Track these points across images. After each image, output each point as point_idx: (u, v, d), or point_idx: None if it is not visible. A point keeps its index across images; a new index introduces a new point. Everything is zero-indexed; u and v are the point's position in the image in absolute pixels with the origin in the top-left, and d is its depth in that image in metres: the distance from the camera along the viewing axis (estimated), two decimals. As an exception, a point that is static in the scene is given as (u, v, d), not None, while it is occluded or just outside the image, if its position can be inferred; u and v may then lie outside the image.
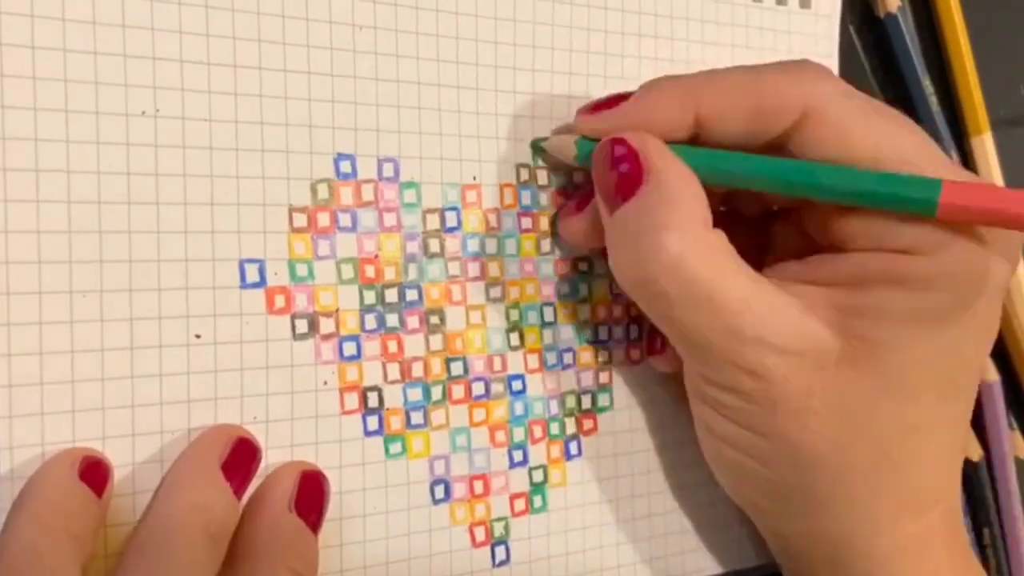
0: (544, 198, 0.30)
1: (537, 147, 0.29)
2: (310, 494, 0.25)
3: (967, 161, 0.39)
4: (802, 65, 0.27)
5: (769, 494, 0.28)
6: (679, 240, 0.24)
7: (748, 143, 0.27)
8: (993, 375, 0.39)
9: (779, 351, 0.25)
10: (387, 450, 0.27)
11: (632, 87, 0.31)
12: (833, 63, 0.35)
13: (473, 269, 0.28)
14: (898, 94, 0.38)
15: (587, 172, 0.28)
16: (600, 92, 0.30)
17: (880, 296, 0.25)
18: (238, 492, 0.24)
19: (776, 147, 0.26)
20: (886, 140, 0.25)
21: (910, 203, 0.24)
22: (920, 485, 0.27)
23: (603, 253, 0.27)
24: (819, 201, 0.26)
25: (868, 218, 0.25)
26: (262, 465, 0.25)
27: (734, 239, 0.26)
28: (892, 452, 0.26)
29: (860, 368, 0.25)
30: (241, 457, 0.24)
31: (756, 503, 0.29)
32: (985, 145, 0.38)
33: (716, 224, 0.26)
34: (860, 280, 0.25)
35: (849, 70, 0.36)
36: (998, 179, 0.38)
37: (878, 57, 0.38)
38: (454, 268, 0.28)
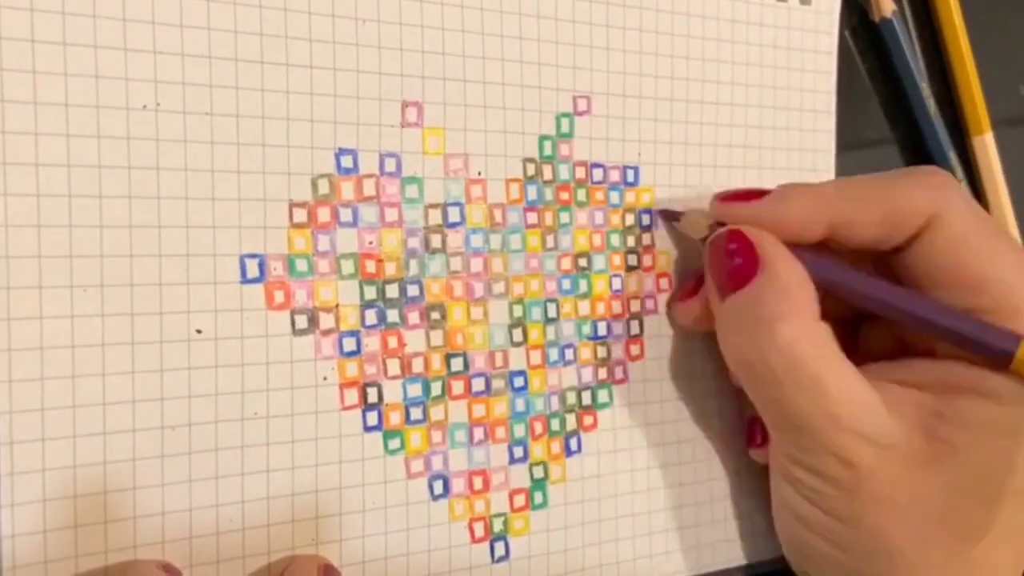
0: (549, 193, 0.29)
1: (668, 216, 0.31)
2: None
3: (968, 161, 0.39)
4: (929, 173, 0.29)
5: None
6: (793, 328, 0.26)
7: (877, 247, 0.28)
8: None
9: (871, 442, 0.26)
10: (386, 446, 0.27)
11: (633, 84, 0.31)
12: (832, 59, 0.35)
13: (476, 264, 0.28)
14: (894, 97, 0.38)
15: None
16: (602, 88, 0.30)
17: (966, 404, 0.27)
18: None
19: (898, 250, 0.28)
20: (994, 257, 0.27)
21: (992, 353, 0.26)
22: None
23: (712, 335, 0.29)
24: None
25: None
26: (261, 465, 0.25)
27: None
28: (967, 553, 0.27)
29: (942, 469, 0.27)
30: None
31: None
32: (986, 145, 0.38)
33: None
34: (947, 387, 0.27)
35: (845, 74, 0.36)
36: (999, 179, 0.39)
37: (874, 60, 0.38)
38: (456, 264, 0.28)
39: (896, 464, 0.27)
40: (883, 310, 0.28)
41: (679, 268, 0.32)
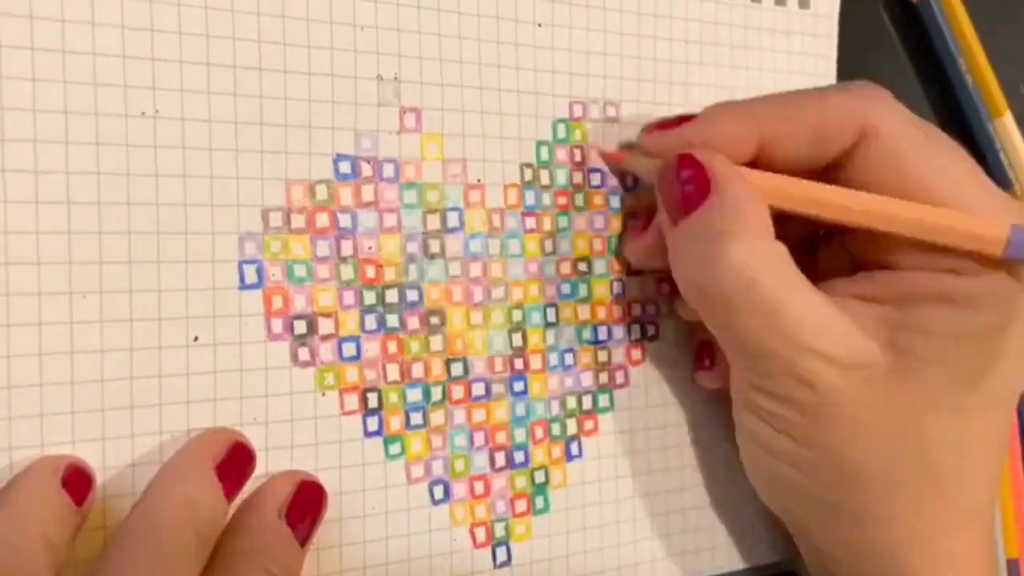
0: (547, 198, 0.29)
1: (611, 159, 0.30)
2: (303, 503, 0.25)
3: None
4: (862, 86, 0.27)
5: (810, 506, 0.28)
6: (744, 248, 0.25)
7: (808, 165, 0.27)
8: None
9: (833, 362, 0.26)
10: (387, 451, 0.27)
11: (632, 88, 0.31)
12: (831, 63, 0.35)
13: (475, 269, 0.28)
14: (932, 74, 0.39)
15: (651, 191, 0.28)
16: (599, 92, 0.30)
17: (927, 313, 0.26)
18: (230, 495, 0.24)
19: (834, 168, 0.27)
20: (938, 165, 0.26)
21: (976, 244, 0.25)
22: (962, 502, 0.27)
23: (665, 271, 0.28)
24: (880, 231, 0.26)
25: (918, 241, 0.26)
26: (261, 470, 0.25)
27: None
28: (937, 468, 0.26)
29: (908, 383, 0.26)
30: (236, 461, 0.24)
31: (796, 515, 0.29)
32: (1007, 126, 0.39)
33: None
34: (908, 297, 0.26)
35: (883, 55, 0.36)
36: (1022, 156, 0.40)
37: (912, 41, 0.39)
38: (455, 268, 0.28)
39: (860, 382, 0.26)
40: (846, 216, 0.26)
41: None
